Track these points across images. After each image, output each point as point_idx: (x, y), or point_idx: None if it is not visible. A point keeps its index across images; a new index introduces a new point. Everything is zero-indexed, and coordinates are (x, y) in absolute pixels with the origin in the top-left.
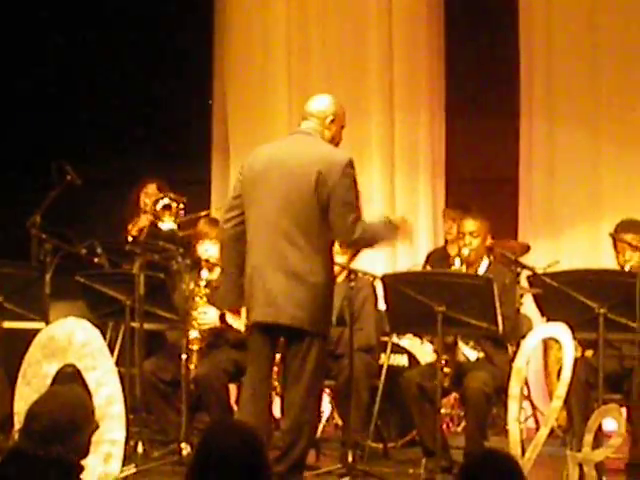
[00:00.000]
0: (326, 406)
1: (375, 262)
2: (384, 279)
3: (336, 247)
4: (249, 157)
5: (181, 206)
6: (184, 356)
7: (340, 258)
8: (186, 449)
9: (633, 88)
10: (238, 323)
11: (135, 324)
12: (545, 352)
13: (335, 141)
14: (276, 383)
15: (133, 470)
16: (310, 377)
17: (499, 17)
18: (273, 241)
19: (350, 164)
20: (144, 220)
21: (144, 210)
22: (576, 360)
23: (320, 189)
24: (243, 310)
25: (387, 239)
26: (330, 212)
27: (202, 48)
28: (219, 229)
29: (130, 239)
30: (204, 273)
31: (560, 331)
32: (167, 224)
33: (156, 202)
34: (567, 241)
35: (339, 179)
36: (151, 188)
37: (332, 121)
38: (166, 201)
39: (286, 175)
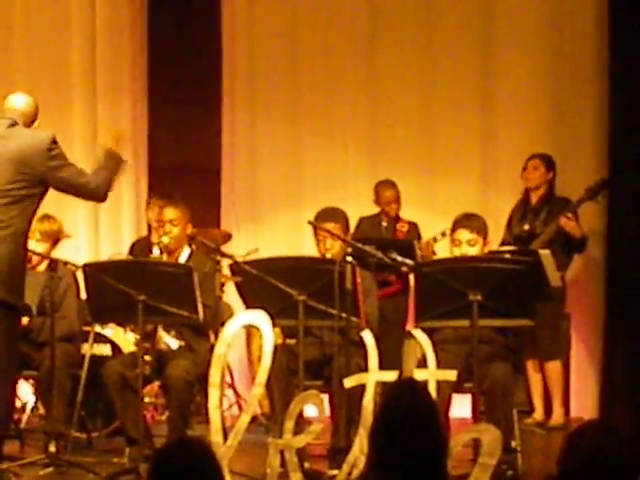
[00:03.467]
0: (29, 397)
1: (79, 251)
2: (85, 268)
3: (37, 235)
4: None
5: None
6: None
7: (40, 247)
8: None
9: (332, 80)
10: None
11: None
12: (248, 340)
13: None
14: None
15: None
16: None
17: (202, 7)
18: None
19: (55, 138)
20: None
21: None
22: (277, 347)
23: (32, 170)
24: None
25: (118, 163)
26: (67, 189)
27: None
28: None
29: None
30: None
31: (259, 318)
32: None
33: None
34: (269, 229)
35: (55, 155)
36: None
37: (33, 121)
38: None
39: None
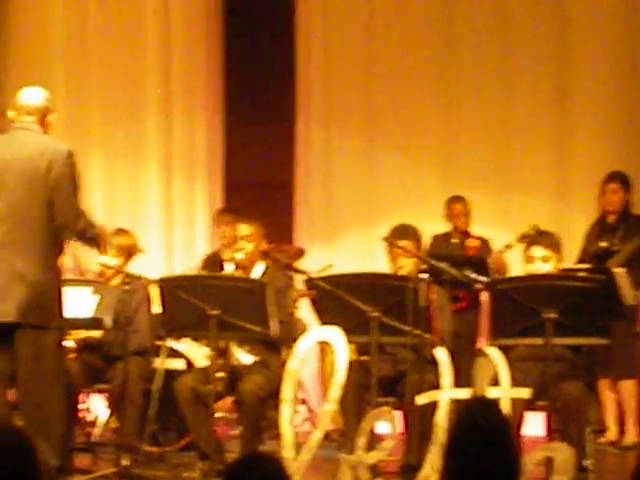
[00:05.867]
0: (102, 410)
1: (152, 265)
2: (160, 282)
3: (112, 249)
4: None
5: None
6: None
7: (113, 261)
8: None
9: (406, 96)
10: None
11: None
12: (321, 356)
13: (48, 132)
14: None
15: None
16: (46, 369)
17: (277, 23)
18: None
19: (71, 154)
20: None
21: None
22: (350, 363)
23: (47, 180)
24: None
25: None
26: (55, 202)
27: None
28: None
29: None
30: None
31: (333, 334)
32: None
33: None
34: (342, 245)
35: (61, 169)
36: None
37: (47, 115)
38: None
39: (15, 173)
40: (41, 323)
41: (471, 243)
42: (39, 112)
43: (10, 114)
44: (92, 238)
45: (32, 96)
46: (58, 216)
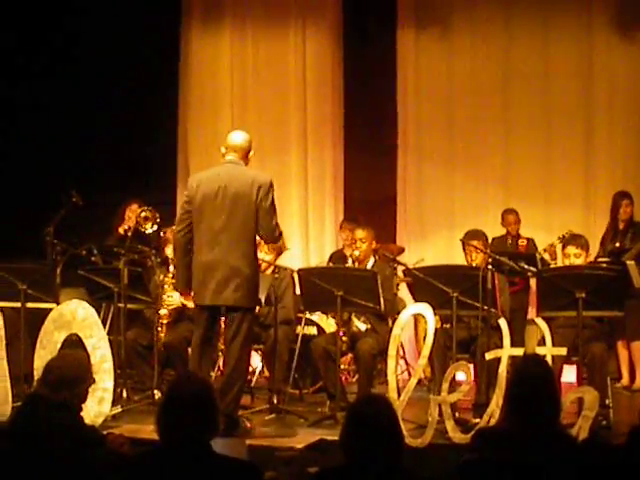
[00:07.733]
0: (258, 363)
1: (293, 259)
2: (299, 272)
3: (265, 248)
4: (193, 182)
5: (157, 216)
6: (158, 328)
7: (267, 257)
8: (157, 394)
9: (475, 137)
10: (188, 302)
11: (120, 305)
12: (415, 324)
13: (248, 164)
14: (222, 346)
15: (119, 410)
16: (243, 339)
17: (383, 86)
18: (219, 245)
19: (272, 184)
20: (129, 223)
21: (129, 220)
22: (437, 329)
23: (255, 202)
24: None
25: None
26: (260, 217)
27: (171, 115)
28: (173, 236)
29: (121, 232)
30: (170, 268)
31: (425, 309)
32: (150, 229)
33: (140, 213)
34: (431, 245)
35: (265, 195)
36: (134, 206)
37: (249, 152)
38: (147, 213)
39: (229, 196)
40: (248, 306)
41: (522, 243)
42: (243, 150)
43: (222, 149)
44: (278, 242)
45: (238, 137)
46: (262, 228)
